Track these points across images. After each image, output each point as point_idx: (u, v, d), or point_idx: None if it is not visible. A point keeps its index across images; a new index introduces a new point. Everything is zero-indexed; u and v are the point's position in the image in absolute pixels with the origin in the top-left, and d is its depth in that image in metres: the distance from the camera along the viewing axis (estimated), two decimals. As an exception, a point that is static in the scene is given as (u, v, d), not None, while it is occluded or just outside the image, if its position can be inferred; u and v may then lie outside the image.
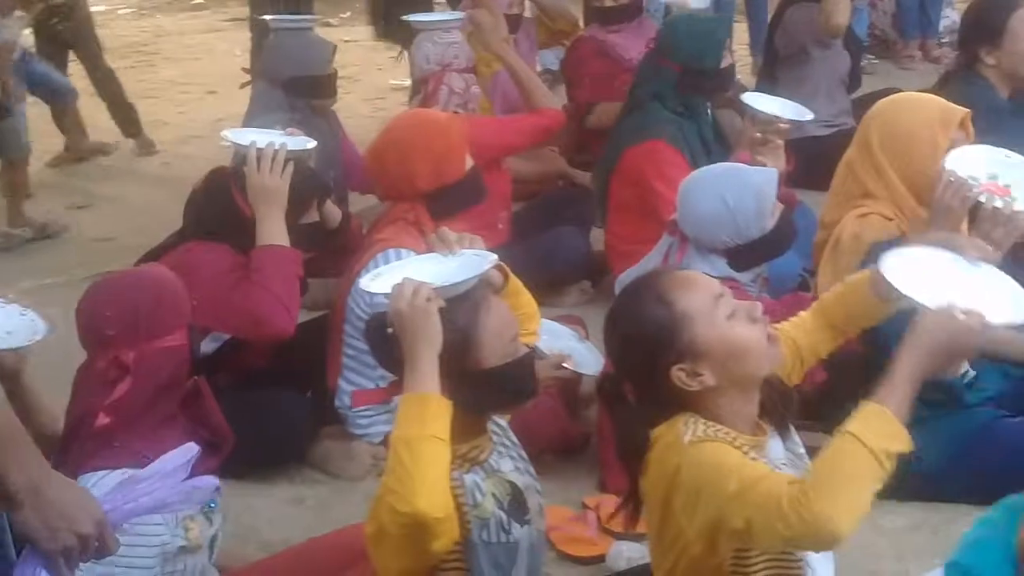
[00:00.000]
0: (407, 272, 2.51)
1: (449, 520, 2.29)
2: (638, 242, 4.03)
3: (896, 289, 2.29)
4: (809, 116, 4.42)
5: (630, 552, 3.21)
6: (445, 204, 3.64)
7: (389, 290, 2.44)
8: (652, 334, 2.28)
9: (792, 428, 2.45)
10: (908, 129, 3.38)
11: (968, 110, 3.44)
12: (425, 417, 2.30)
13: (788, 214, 3.52)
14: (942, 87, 4.40)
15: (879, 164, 3.40)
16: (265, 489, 3.66)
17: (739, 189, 3.41)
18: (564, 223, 4.89)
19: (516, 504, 2.49)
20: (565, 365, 3.56)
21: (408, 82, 7.94)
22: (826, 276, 3.41)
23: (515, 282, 2.75)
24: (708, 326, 2.26)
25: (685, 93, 4.53)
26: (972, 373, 3.42)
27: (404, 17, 5.36)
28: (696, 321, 2.26)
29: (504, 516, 2.44)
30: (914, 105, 3.47)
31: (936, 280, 2.30)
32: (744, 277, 3.47)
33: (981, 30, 4.39)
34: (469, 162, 3.75)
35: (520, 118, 4.93)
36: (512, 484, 2.52)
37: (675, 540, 2.24)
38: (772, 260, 3.56)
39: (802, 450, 2.43)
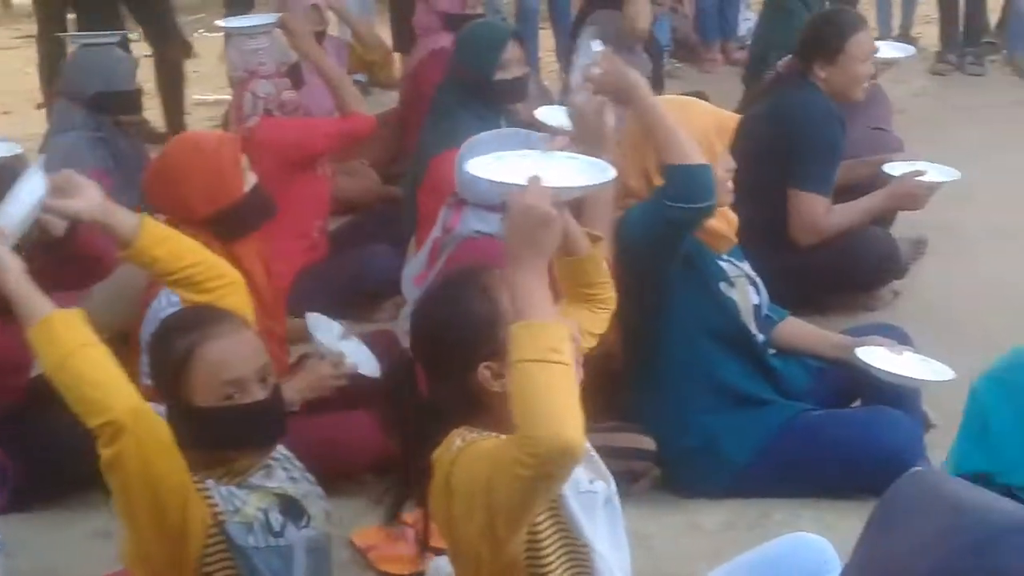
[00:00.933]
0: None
1: (146, 412, 2.26)
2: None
3: (483, 179, 2.27)
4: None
5: (449, 568, 3.16)
6: (229, 226, 3.52)
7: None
8: (471, 326, 2.23)
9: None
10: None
11: (739, 116, 3.52)
12: (55, 337, 2.27)
13: None
14: (771, 89, 4.53)
15: (648, 168, 3.39)
16: (67, 522, 3.49)
17: (521, 147, 3.42)
18: (379, 241, 4.82)
19: (290, 510, 2.45)
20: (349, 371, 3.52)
21: (211, 97, 7.87)
22: None
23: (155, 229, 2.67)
24: None
25: (476, 99, 4.52)
26: (761, 337, 3.53)
27: (217, 22, 5.27)
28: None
29: (272, 521, 2.40)
30: (688, 112, 3.45)
31: (515, 170, 2.27)
32: None
33: (820, 45, 4.50)
34: (251, 180, 3.61)
35: (329, 121, 4.88)
36: (281, 495, 2.46)
37: (467, 550, 2.20)
38: None
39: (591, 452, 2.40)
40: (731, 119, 3.46)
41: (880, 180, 4.62)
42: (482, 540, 2.11)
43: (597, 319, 2.58)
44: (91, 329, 2.27)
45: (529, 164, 2.29)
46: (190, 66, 8.31)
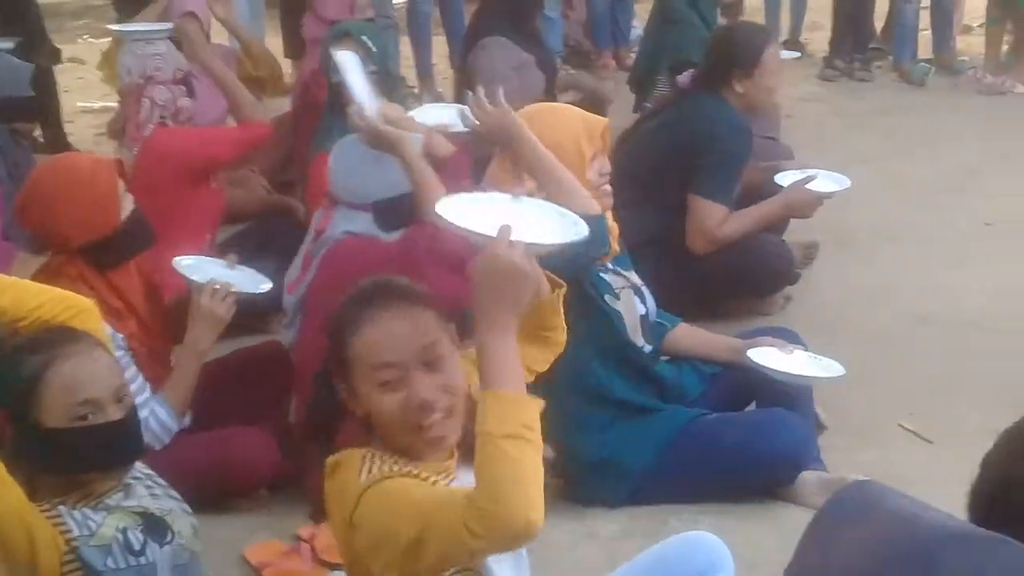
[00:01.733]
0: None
1: None
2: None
3: (451, 225, 2.07)
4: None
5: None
6: (105, 256, 3.40)
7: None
8: (331, 335, 2.19)
9: None
10: (554, 141, 3.28)
11: (606, 120, 3.51)
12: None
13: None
14: (680, 101, 4.67)
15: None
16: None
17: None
18: (267, 251, 4.73)
19: (152, 528, 2.40)
20: (232, 291, 3.45)
21: (97, 104, 7.71)
22: None
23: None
24: (362, 384, 2.16)
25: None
26: (649, 348, 3.53)
27: (109, 27, 5.15)
28: (355, 370, 2.16)
29: (132, 540, 2.34)
30: (558, 118, 3.44)
31: (487, 217, 2.11)
32: (392, 238, 3.47)
33: (736, 60, 4.52)
34: (128, 206, 3.47)
35: (227, 130, 4.82)
36: (142, 513, 2.41)
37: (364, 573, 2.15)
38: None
39: None
40: (599, 122, 3.45)
41: (772, 187, 4.67)
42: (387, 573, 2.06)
43: (542, 359, 2.53)
44: None
45: (497, 211, 2.15)
46: (75, 72, 8.15)
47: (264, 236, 4.99)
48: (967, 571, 0.95)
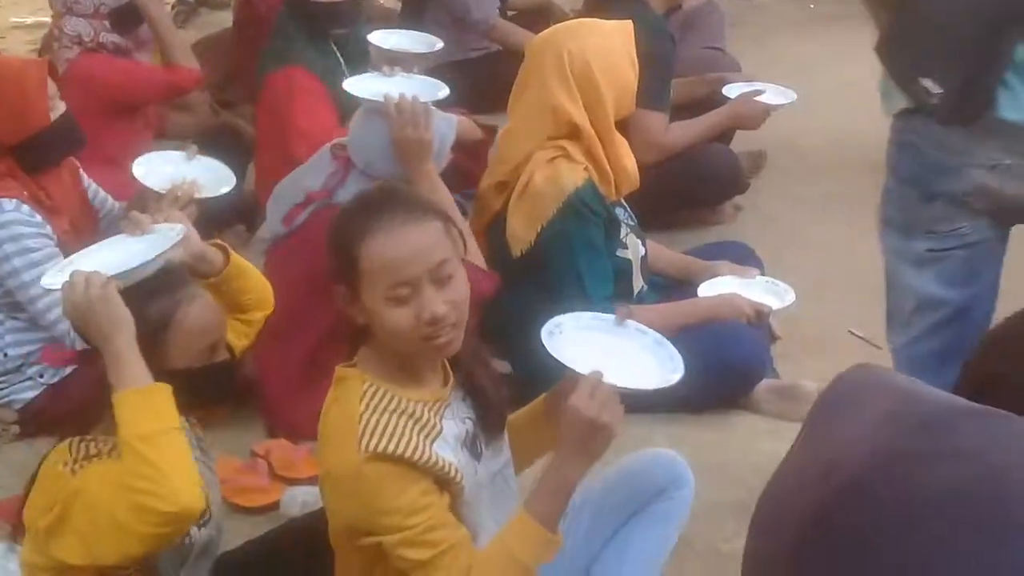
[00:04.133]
0: (94, 259, 2.34)
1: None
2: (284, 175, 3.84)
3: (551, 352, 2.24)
4: (439, 45, 4.44)
5: (304, 496, 3.12)
6: (35, 154, 3.42)
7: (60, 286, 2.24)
8: (339, 244, 2.15)
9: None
10: (613, 50, 3.36)
11: (630, 21, 3.49)
12: (157, 409, 2.15)
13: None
14: (598, 7, 4.47)
15: (599, 92, 3.34)
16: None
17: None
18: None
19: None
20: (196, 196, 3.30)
21: (30, 19, 7.53)
22: (518, 223, 3.37)
23: (239, 262, 2.55)
24: (371, 297, 2.14)
25: (304, 22, 4.41)
26: (644, 287, 3.55)
27: None
28: (365, 281, 2.13)
29: None
30: (601, 28, 3.44)
31: (589, 354, 2.27)
32: None
33: None
34: (60, 107, 3.47)
35: (152, 71, 4.65)
36: None
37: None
38: None
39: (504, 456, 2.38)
40: (629, 25, 3.45)
41: (718, 99, 4.65)
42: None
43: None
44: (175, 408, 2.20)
45: (597, 344, 2.32)
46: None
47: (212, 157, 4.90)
48: (982, 440, 0.95)
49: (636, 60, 3.42)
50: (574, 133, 3.37)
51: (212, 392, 2.41)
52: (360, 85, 3.46)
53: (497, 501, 2.31)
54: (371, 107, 3.31)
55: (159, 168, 3.44)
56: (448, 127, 3.37)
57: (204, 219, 3.30)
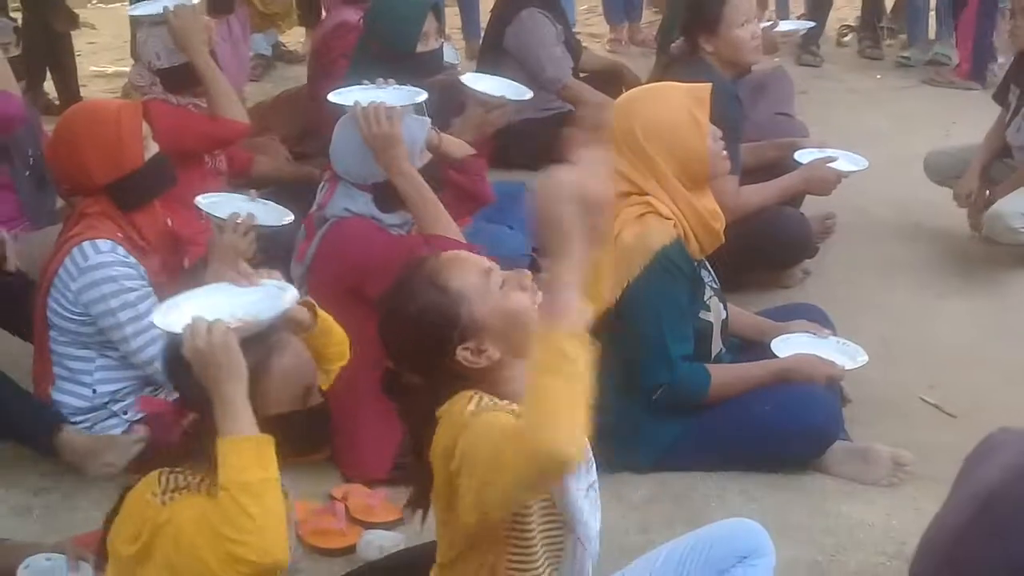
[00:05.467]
0: (201, 304, 2.40)
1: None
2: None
3: None
4: (529, 95, 4.49)
5: (381, 541, 3.17)
6: (129, 195, 3.51)
7: (181, 329, 2.31)
8: (433, 320, 2.25)
9: None
10: (668, 117, 3.40)
11: (709, 85, 3.51)
12: (262, 460, 2.20)
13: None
14: (667, 71, 4.54)
15: (649, 159, 3.39)
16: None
17: None
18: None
19: None
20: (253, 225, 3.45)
21: (110, 69, 7.71)
22: None
23: (325, 319, 2.62)
24: (483, 301, 2.25)
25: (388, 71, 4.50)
26: (723, 349, 3.59)
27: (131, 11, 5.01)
28: (472, 298, 2.25)
29: None
30: (662, 94, 3.50)
31: None
32: (390, 219, 3.57)
33: (699, 18, 4.52)
34: (153, 148, 3.59)
35: (201, 121, 4.52)
36: None
37: (456, 509, 2.21)
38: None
39: None
40: (704, 89, 3.46)
41: (789, 164, 4.69)
42: (473, 509, 2.12)
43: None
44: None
45: None
46: (86, 37, 8.14)
47: (286, 203, 4.98)
48: None
49: (706, 124, 3.44)
50: (641, 193, 3.40)
51: (310, 437, 2.47)
52: (343, 96, 3.71)
53: (594, 513, 2.36)
54: (344, 115, 3.59)
55: (225, 202, 3.60)
56: (420, 127, 3.59)
57: (263, 253, 3.45)
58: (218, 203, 3.60)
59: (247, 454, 2.20)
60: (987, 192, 5.04)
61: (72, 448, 3.47)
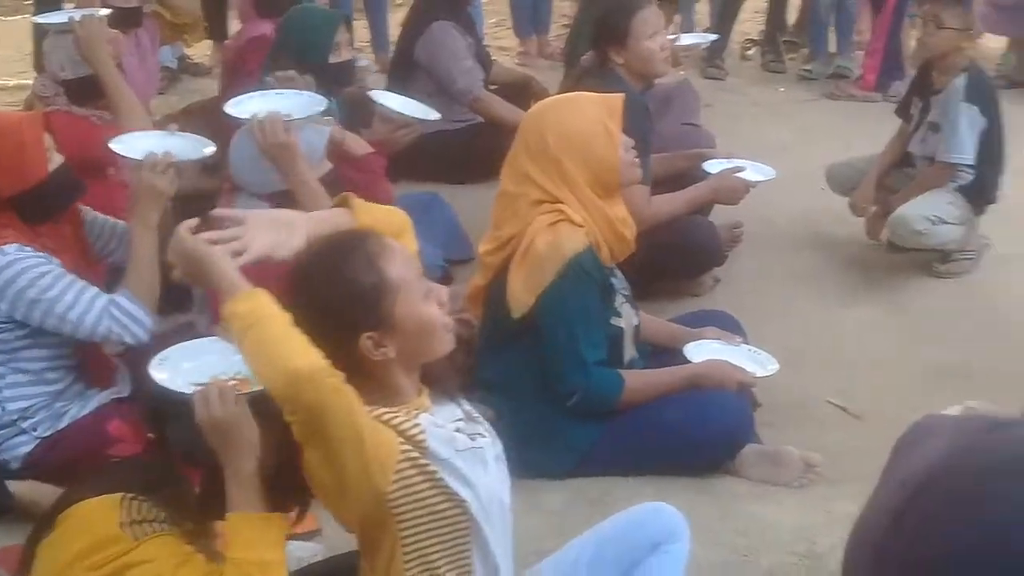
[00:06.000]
0: (190, 363, 2.46)
1: None
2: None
3: None
4: (435, 116, 4.53)
5: (299, 552, 3.15)
6: (35, 207, 3.45)
7: (187, 389, 2.34)
8: (358, 294, 2.23)
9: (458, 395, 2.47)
10: (581, 127, 3.44)
11: (622, 95, 3.57)
12: (273, 540, 2.25)
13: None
14: (578, 83, 4.58)
15: (562, 167, 3.43)
16: None
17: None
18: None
19: None
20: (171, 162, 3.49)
21: (12, 82, 7.58)
22: (519, 285, 3.42)
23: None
24: (408, 301, 2.26)
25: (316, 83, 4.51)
26: (636, 355, 3.63)
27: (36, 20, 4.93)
28: (400, 293, 2.26)
29: None
30: (575, 104, 3.55)
31: None
32: None
33: (608, 31, 4.58)
34: (56, 160, 3.51)
35: (109, 133, 4.52)
36: None
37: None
38: None
39: (472, 408, 2.46)
40: (616, 99, 3.51)
41: (698, 174, 4.77)
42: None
43: None
44: None
45: None
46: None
47: (185, 218, 4.92)
48: None
49: (618, 134, 3.49)
50: (555, 200, 3.44)
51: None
52: (240, 106, 3.74)
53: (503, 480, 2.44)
54: (241, 126, 3.65)
55: (139, 140, 3.59)
56: (318, 137, 3.64)
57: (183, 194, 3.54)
58: (132, 142, 3.59)
59: (259, 532, 2.21)
60: (886, 201, 5.17)
61: None
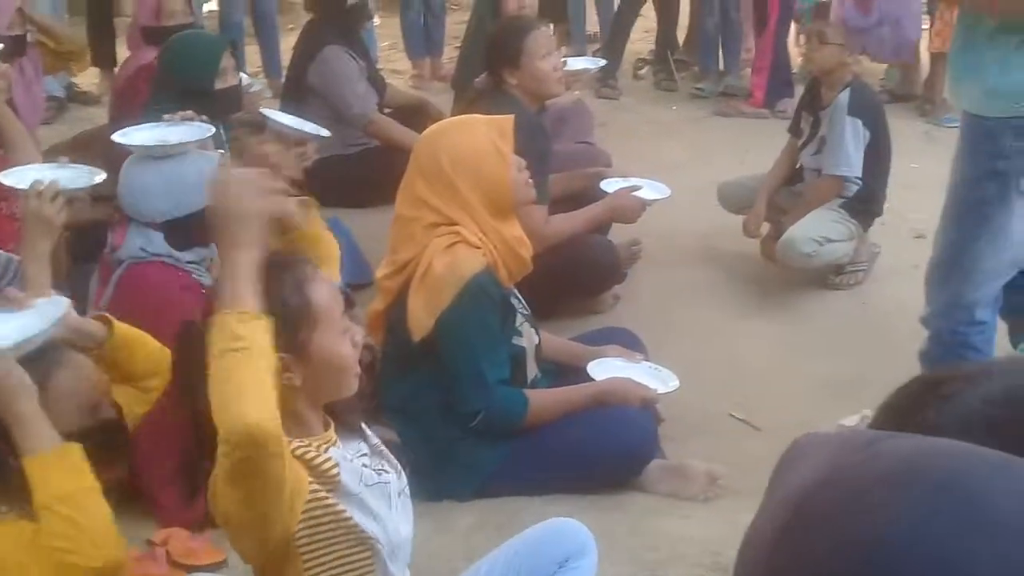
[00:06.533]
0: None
1: None
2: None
3: None
4: (326, 133, 4.50)
5: (205, 585, 3.11)
6: None
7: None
8: (278, 316, 2.16)
9: (364, 427, 2.46)
10: (472, 148, 3.45)
11: (512, 116, 3.59)
12: (73, 469, 2.24)
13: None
14: (472, 106, 4.59)
15: (456, 189, 3.43)
16: None
17: (178, 164, 3.56)
18: (83, 261, 4.61)
19: None
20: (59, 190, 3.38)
21: None
22: (419, 308, 3.41)
23: (124, 332, 2.58)
24: (325, 334, 2.23)
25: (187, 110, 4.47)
26: (538, 374, 3.64)
27: None
28: (318, 324, 2.22)
29: None
30: (466, 126, 3.57)
31: None
32: (187, 256, 3.58)
33: (501, 53, 4.61)
34: None
35: None
36: None
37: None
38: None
39: (378, 442, 2.45)
40: (507, 120, 3.54)
41: (596, 193, 4.81)
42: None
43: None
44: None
45: None
46: None
47: (82, 249, 4.84)
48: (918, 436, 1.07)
49: (509, 154, 3.51)
50: (450, 222, 3.45)
51: (103, 452, 2.40)
52: (128, 136, 3.74)
53: (406, 516, 2.42)
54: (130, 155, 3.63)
55: (29, 172, 3.52)
56: (209, 163, 3.57)
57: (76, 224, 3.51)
58: (22, 173, 3.52)
59: (57, 467, 2.18)
60: (778, 221, 5.26)
61: None
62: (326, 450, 2.23)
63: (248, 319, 2.02)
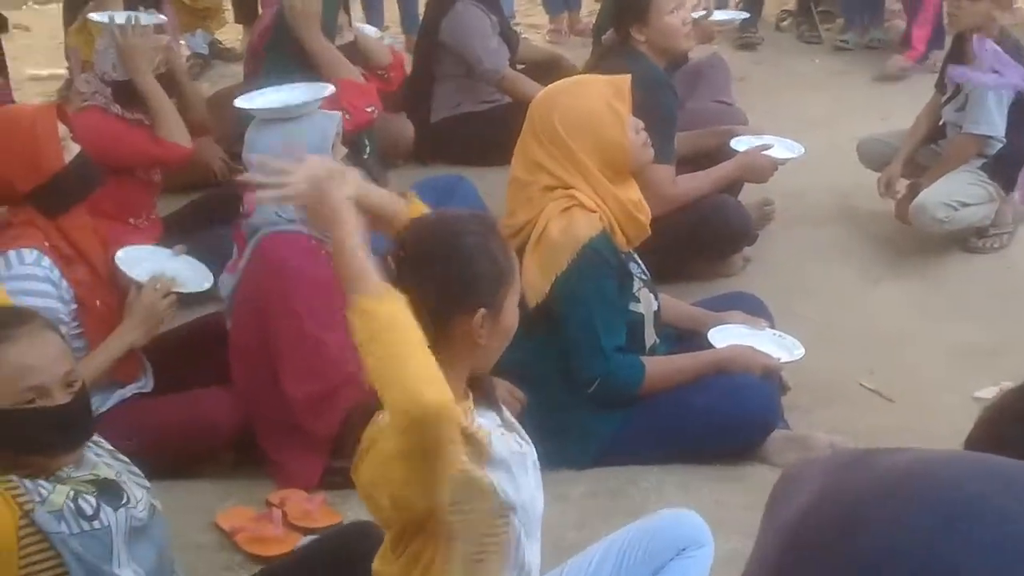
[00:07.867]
0: None
1: None
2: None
3: None
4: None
5: (319, 547, 3.14)
6: (53, 199, 3.42)
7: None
8: (493, 274, 2.21)
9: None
10: (587, 110, 3.39)
11: (628, 76, 3.50)
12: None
13: None
14: (599, 63, 4.51)
15: (570, 152, 3.37)
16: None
17: (299, 125, 3.49)
18: (222, 222, 4.69)
19: (105, 492, 2.41)
20: (173, 290, 3.50)
21: (45, 72, 7.60)
22: (534, 273, 3.36)
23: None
24: (512, 300, 2.27)
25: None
26: (656, 341, 3.57)
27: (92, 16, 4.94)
28: (512, 288, 2.27)
29: (83, 505, 2.35)
30: (580, 87, 3.49)
31: None
32: None
33: (628, 8, 4.51)
34: (73, 149, 3.49)
35: (143, 141, 4.48)
36: (95, 480, 2.43)
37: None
38: None
39: (509, 414, 2.42)
40: (623, 80, 3.46)
41: (727, 152, 4.70)
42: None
43: None
44: None
45: None
46: (20, 40, 8.04)
47: (217, 206, 4.92)
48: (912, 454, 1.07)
49: (626, 115, 3.43)
50: (566, 186, 3.39)
51: (31, 438, 2.36)
52: (251, 99, 3.68)
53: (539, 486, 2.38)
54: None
55: (145, 258, 3.61)
56: (330, 122, 3.53)
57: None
58: (138, 259, 3.59)
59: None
60: (916, 180, 5.07)
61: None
62: (473, 417, 2.22)
63: (387, 298, 2.01)
